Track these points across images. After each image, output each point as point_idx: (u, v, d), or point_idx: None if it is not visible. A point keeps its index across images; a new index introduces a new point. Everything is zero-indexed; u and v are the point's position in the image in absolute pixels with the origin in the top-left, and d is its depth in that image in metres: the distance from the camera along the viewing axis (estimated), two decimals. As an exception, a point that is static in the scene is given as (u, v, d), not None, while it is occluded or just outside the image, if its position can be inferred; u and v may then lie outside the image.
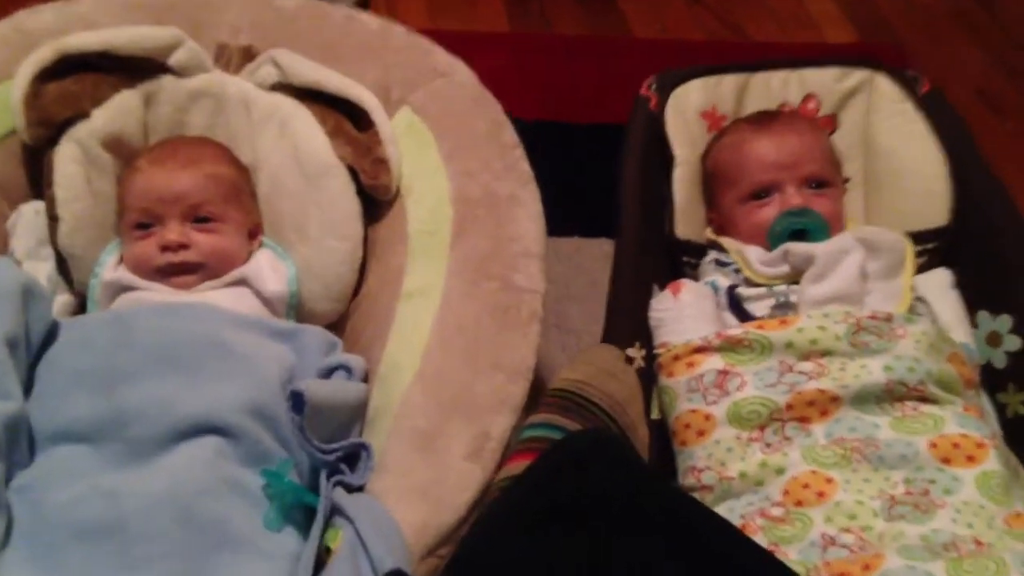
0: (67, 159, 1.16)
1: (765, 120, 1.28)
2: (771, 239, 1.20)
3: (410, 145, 1.21)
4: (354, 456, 0.99)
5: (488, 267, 1.09)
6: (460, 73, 1.27)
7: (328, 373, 1.08)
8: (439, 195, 1.15)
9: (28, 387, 0.99)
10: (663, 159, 1.30)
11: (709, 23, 2.12)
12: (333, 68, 1.24)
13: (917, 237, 1.24)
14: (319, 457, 0.95)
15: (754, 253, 1.21)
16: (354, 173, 1.20)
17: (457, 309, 1.07)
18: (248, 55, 1.28)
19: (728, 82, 1.36)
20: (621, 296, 1.18)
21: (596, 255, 1.54)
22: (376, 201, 1.21)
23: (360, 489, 0.97)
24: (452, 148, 1.19)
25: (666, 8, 2.15)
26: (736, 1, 2.17)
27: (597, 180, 1.46)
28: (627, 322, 1.16)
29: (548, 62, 1.93)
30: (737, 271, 1.22)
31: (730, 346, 1.09)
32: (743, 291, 1.20)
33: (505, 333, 1.05)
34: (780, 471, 1.01)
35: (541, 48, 1.98)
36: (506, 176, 1.17)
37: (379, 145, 1.18)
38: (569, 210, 1.48)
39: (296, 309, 1.20)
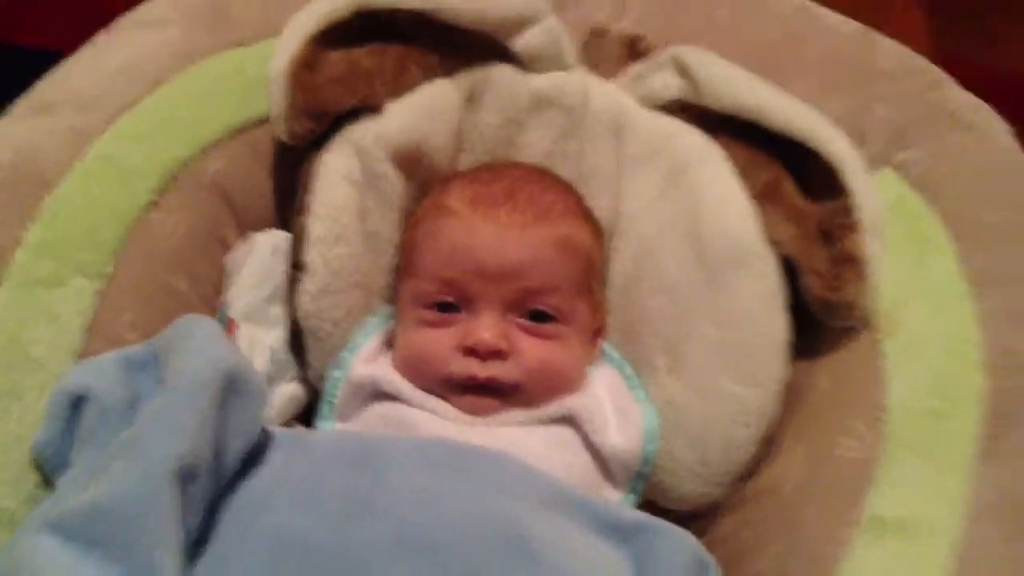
0: (337, 176, 0.78)
1: None
2: None
3: (898, 239, 0.75)
4: None
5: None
6: (991, 125, 0.80)
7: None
8: (960, 350, 0.68)
9: (202, 538, 0.62)
10: None
11: None
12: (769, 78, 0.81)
13: None
14: None
15: None
16: (791, 272, 0.75)
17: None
18: (636, 50, 0.87)
19: None
20: None
21: None
22: (814, 324, 0.75)
23: None
24: (987, 264, 0.72)
25: None
26: None
27: None
28: None
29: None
30: None
31: None
32: None
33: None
34: None
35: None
36: (1081, 328, 0.68)
37: (852, 231, 0.73)
38: None
39: (644, 482, 0.76)
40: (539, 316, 0.75)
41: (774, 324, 0.75)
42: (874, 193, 0.73)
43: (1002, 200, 0.74)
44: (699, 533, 0.72)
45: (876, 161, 0.79)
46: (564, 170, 0.85)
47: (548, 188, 0.80)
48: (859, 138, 0.80)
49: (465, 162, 0.86)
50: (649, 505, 0.76)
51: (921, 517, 0.62)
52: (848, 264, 0.72)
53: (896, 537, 0.62)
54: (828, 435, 0.71)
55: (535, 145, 0.86)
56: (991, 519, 0.61)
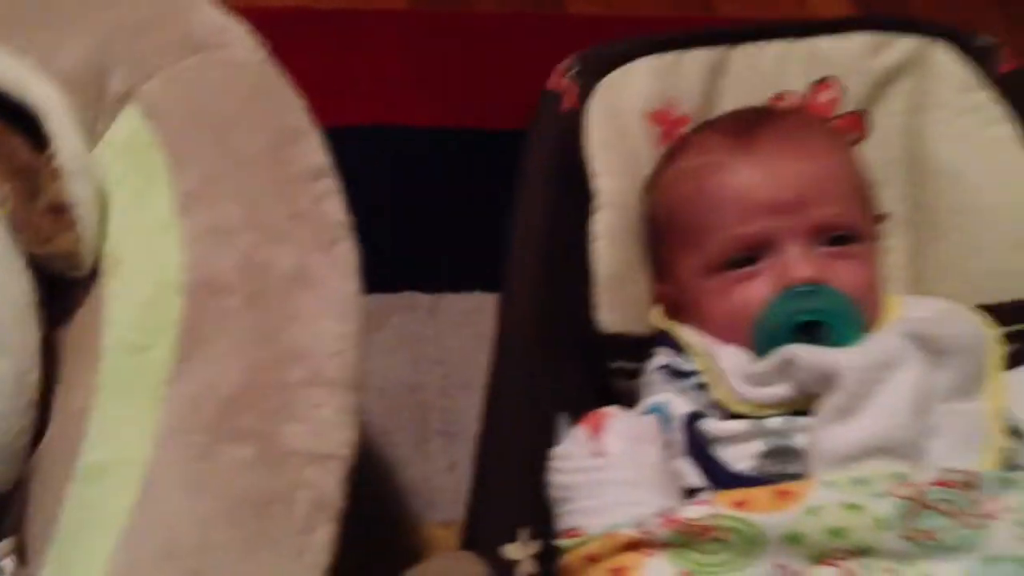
0: None
1: (749, 127, 0.85)
2: (761, 337, 0.79)
3: (129, 177, 0.76)
4: None
5: (237, 415, 0.64)
6: (235, 45, 0.81)
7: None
8: (161, 276, 0.70)
9: None
10: (583, 194, 0.86)
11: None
12: (12, 33, 0.79)
13: (1002, 315, 0.83)
14: None
15: (733, 359, 0.79)
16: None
17: (171, 504, 0.62)
18: None
19: (693, 63, 0.92)
20: (497, 442, 0.78)
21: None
22: (63, 284, 0.75)
23: None
24: (197, 184, 0.73)
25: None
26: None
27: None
28: (507, 493, 0.76)
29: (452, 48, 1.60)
30: (703, 388, 0.80)
31: (687, 539, 0.70)
32: (713, 425, 0.77)
33: (261, 554, 0.61)
34: None
35: (444, 29, 1.64)
36: (292, 233, 0.72)
37: (57, 180, 0.73)
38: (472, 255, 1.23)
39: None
40: None
41: (13, 288, 0.73)
42: (77, 135, 0.73)
43: (218, 119, 0.76)
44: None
45: (123, 98, 0.80)
46: None
47: None
48: (103, 77, 0.80)
49: None
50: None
51: (117, 456, 0.64)
52: (56, 213, 0.72)
53: (96, 481, 0.64)
54: (71, 391, 0.71)
55: None
56: (174, 442, 0.63)
